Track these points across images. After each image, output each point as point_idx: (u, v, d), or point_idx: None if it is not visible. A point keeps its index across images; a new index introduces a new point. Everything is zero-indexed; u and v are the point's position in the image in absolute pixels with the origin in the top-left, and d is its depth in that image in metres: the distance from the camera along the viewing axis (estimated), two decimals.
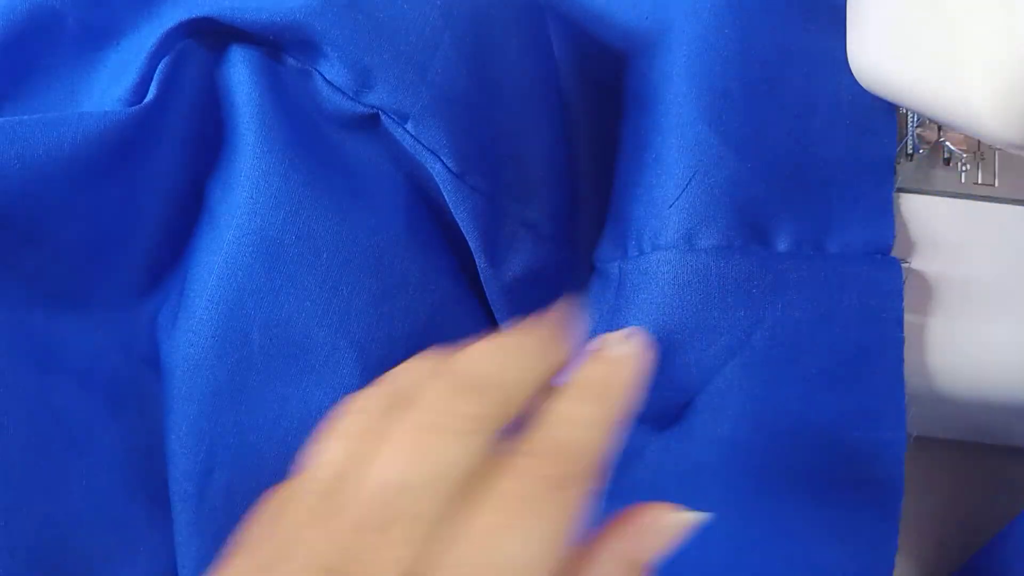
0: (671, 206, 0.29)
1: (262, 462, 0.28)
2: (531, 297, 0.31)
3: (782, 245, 0.29)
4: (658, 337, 0.29)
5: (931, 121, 0.30)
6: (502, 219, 0.30)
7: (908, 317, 0.30)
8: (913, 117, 0.31)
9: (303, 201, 0.28)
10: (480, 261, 0.29)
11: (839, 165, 0.29)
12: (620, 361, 0.23)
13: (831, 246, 0.29)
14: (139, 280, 0.30)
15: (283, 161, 0.28)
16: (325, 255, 0.28)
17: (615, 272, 0.30)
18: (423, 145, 0.28)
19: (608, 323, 0.30)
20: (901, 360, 0.29)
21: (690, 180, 0.29)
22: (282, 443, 0.28)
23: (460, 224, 0.29)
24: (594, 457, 0.21)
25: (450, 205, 0.29)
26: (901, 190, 0.30)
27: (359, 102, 0.29)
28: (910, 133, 0.31)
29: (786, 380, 0.28)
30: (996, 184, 0.31)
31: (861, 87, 0.28)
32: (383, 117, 0.29)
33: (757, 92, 0.29)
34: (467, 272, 0.31)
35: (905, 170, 0.31)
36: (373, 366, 0.28)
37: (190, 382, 0.28)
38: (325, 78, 0.29)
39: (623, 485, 0.32)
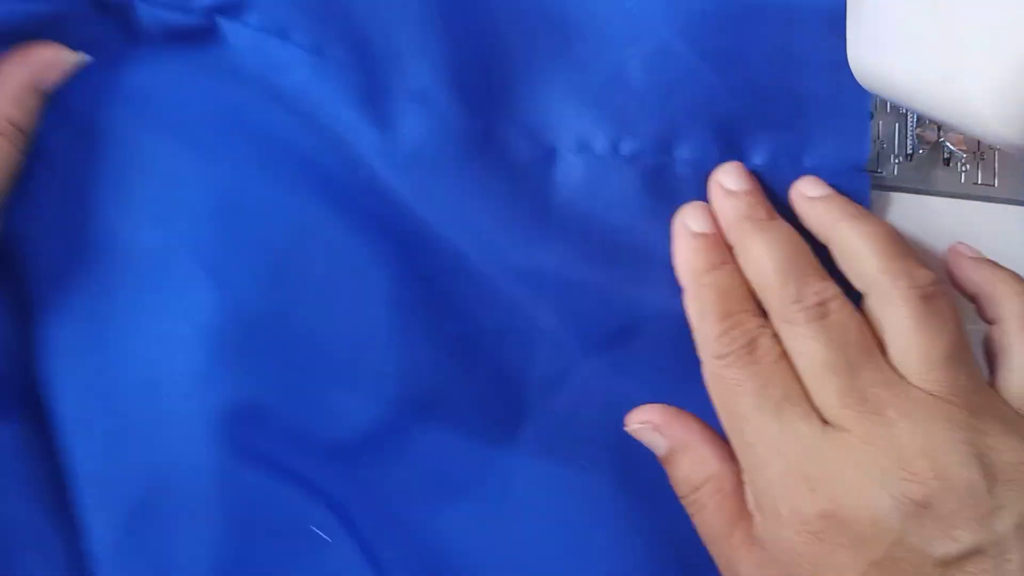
0: (647, 112, 0.29)
1: (132, 401, 0.26)
2: (434, 175, 0.29)
3: (759, 159, 0.29)
4: (622, 242, 0.29)
5: (931, 121, 0.30)
6: (382, 91, 0.28)
7: None
8: (913, 117, 0.30)
9: (145, 138, 0.27)
10: (367, 142, 0.28)
11: (817, 83, 0.29)
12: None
13: (806, 161, 0.29)
14: None
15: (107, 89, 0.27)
16: (164, 175, 0.27)
17: (570, 160, 0.29)
18: (268, 33, 0.27)
19: (563, 200, 0.29)
20: None
21: (670, 89, 0.29)
22: (141, 378, 0.26)
23: (333, 109, 0.27)
24: None
25: (317, 91, 0.27)
26: (901, 190, 0.30)
27: (188, 10, 0.27)
28: (910, 133, 0.31)
29: None
30: (996, 184, 0.31)
31: (840, 9, 0.28)
32: (220, 21, 0.27)
33: (735, 12, 0.29)
34: (341, 190, 0.28)
35: (905, 170, 0.31)
36: (231, 289, 0.26)
37: (48, 312, 0.27)
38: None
39: (540, 410, 0.30)
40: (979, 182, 0.31)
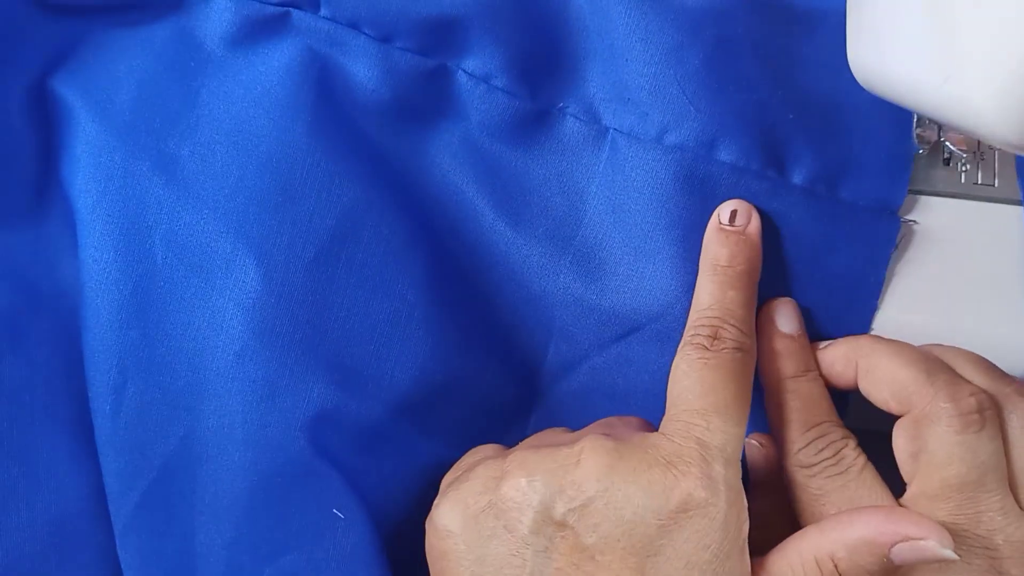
0: (698, 108, 0.28)
1: (172, 374, 0.28)
2: (494, 154, 0.30)
3: (797, 178, 0.29)
4: (646, 230, 0.29)
5: (931, 121, 0.30)
6: (446, 75, 0.30)
7: (906, 316, 0.30)
8: (913, 117, 0.30)
9: (198, 116, 0.29)
10: (427, 126, 0.29)
11: (869, 115, 0.29)
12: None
13: (842, 192, 0.29)
14: (24, 200, 0.29)
15: (170, 73, 0.29)
16: (220, 165, 0.28)
17: (618, 142, 0.30)
18: (340, 24, 0.29)
19: (600, 184, 0.30)
20: (871, 317, 0.30)
21: (725, 88, 0.28)
22: (191, 354, 0.28)
23: (395, 95, 0.29)
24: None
25: (385, 80, 0.29)
26: None
27: (266, 2, 0.29)
28: (910, 133, 0.31)
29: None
30: (996, 184, 0.31)
31: None
32: (294, 14, 0.29)
33: (803, 22, 0.29)
34: (388, 174, 0.30)
35: None
36: (276, 271, 0.28)
37: (97, 299, 0.28)
38: None
39: (548, 397, 0.32)
40: (979, 182, 0.31)
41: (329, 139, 0.29)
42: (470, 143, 0.30)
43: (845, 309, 0.30)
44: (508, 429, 0.32)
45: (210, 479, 0.28)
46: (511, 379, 0.31)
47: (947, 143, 0.30)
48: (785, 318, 0.29)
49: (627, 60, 0.29)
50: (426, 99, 0.30)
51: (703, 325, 0.27)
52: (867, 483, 0.26)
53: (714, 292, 0.27)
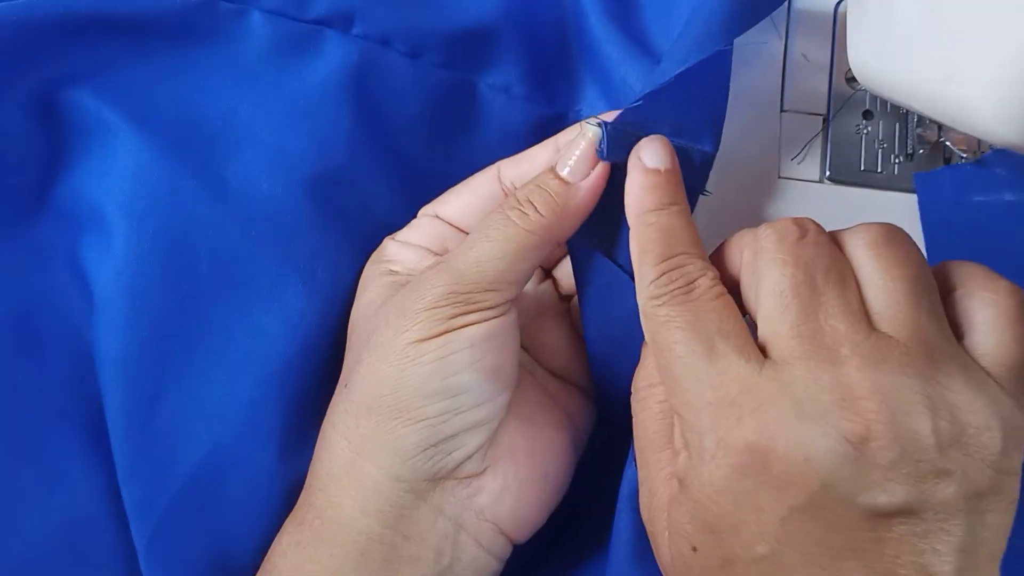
0: (671, 105, 0.28)
1: (211, 386, 0.28)
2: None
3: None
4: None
5: (931, 121, 0.30)
6: (470, 88, 0.31)
7: None
8: (913, 117, 0.31)
9: (238, 136, 0.29)
10: (452, 135, 0.31)
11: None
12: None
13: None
14: (31, 206, 0.29)
15: (207, 91, 0.29)
16: (266, 185, 0.29)
17: (605, 131, 0.30)
18: (372, 41, 0.30)
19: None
20: None
21: (701, 93, 0.28)
22: (231, 368, 0.28)
23: (427, 108, 0.30)
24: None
25: (415, 94, 0.30)
26: (901, 190, 0.31)
27: (301, 20, 0.30)
28: (910, 133, 0.31)
29: None
30: None
31: None
32: (328, 32, 0.30)
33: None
34: (421, 189, 0.30)
35: (905, 170, 0.31)
36: (320, 288, 0.28)
37: (135, 311, 0.28)
38: (263, 8, 0.29)
39: None
40: None
41: (367, 156, 0.30)
42: (489, 151, 0.31)
43: None
44: None
45: (241, 486, 0.28)
46: None
47: (947, 143, 0.30)
48: (650, 153, 0.26)
49: (608, 61, 0.31)
50: (452, 111, 0.31)
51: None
52: (719, 308, 0.23)
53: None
